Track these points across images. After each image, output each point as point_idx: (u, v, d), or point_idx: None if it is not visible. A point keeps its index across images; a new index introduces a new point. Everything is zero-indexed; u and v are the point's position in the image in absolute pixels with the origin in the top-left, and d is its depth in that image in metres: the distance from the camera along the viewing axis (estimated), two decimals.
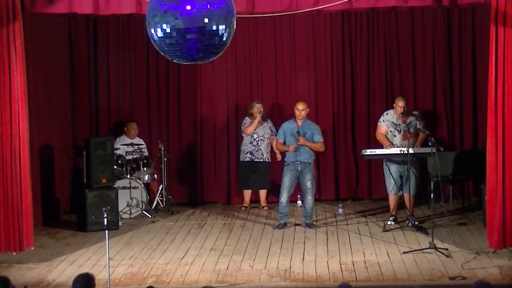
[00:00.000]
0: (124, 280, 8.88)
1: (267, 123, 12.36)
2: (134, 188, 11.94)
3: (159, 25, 6.17)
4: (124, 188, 11.84)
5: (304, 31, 13.07)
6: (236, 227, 11.42)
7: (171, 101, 13.23)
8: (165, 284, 8.73)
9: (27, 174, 9.47)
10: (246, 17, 10.43)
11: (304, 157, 11.07)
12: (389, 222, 11.07)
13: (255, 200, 12.71)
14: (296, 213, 12.00)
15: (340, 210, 11.96)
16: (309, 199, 11.12)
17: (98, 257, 9.79)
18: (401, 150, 10.74)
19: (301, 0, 9.69)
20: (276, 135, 11.84)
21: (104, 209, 8.65)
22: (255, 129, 12.22)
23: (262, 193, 12.60)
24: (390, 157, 11.00)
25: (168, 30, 6.15)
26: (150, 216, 11.91)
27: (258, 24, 12.93)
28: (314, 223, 11.32)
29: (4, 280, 6.30)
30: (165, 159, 12.32)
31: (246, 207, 12.61)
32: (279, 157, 12.09)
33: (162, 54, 6.40)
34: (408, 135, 10.80)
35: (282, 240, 10.54)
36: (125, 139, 12.54)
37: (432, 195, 10.08)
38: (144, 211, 12.00)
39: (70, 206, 12.58)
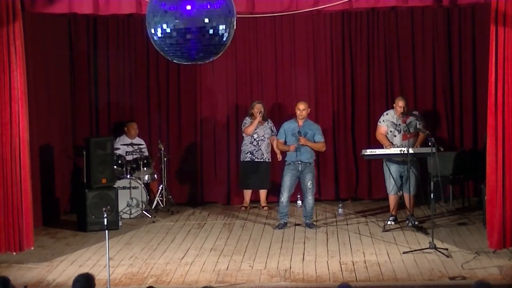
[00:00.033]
0: (124, 280, 8.88)
1: (268, 123, 12.36)
2: (134, 188, 11.94)
3: (159, 25, 6.17)
4: (124, 188, 11.84)
5: (304, 31, 13.07)
6: (236, 227, 11.42)
7: (171, 101, 13.23)
8: (165, 284, 8.73)
9: (27, 174, 9.47)
10: (246, 17, 10.43)
11: (305, 157, 11.07)
12: (389, 222, 11.07)
13: (255, 200, 12.71)
14: (296, 213, 12.00)
15: (340, 210, 11.97)
16: (310, 198, 11.12)
17: (98, 257, 9.79)
18: (401, 150, 10.74)
19: (301, 0, 9.69)
20: (276, 135, 11.85)
21: (104, 209, 8.64)
22: (256, 129, 12.22)
23: (262, 193, 12.60)
24: (390, 157, 11.00)
25: (168, 30, 6.15)
26: (150, 216, 11.91)
27: (258, 24, 12.93)
28: (314, 223, 11.32)
29: (4, 280, 6.30)
30: (165, 159, 12.32)
31: (246, 207, 12.61)
32: (279, 157, 12.09)
33: (162, 54, 6.40)
34: (408, 135, 10.80)
35: (282, 240, 10.54)
36: (125, 139, 12.54)
37: (432, 195, 10.08)
38: (144, 211, 12.00)
39: (70, 206, 12.58)
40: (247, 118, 12.38)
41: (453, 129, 13.03)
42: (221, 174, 13.18)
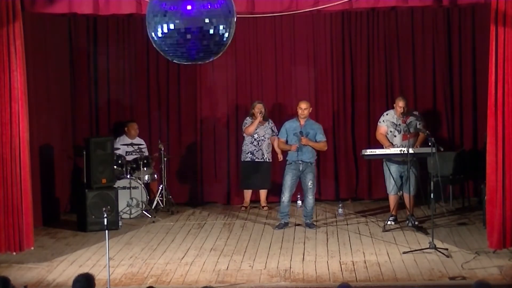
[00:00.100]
0: (124, 280, 8.88)
1: (268, 123, 12.36)
2: (134, 188, 11.94)
3: (159, 25, 6.17)
4: (124, 188, 11.84)
5: (304, 31, 13.07)
6: (236, 227, 11.42)
7: (171, 101, 13.23)
8: (165, 284, 8.73)
9: (27, 174, 9.47)
10: (246, 17, 10.42)
11: (307, 156, 11.07)
12: (389, 222, 11.07)
13: (255, 200, 12.71)
14: (296, 213, 12.00)
15: (340, 210, 11.97)
16: (310, 198, 11.12)
17: (98, 257, 9.79)
18: (401, 150, 10.74)
19: (301, 0, 9.69)
20: (277, 135, 11.86)
21: (104, 209, 8.64)
22: (256, 129, 12.22)
23: (263, 193, 12.60)
24: (390, 157, 11.00)
25: (168, 30, 6.15)
26: (150, 216, 11.91)
27: (258, 24, 12.93)
28: (314, 223, 11.32)
29: (4, 280, 6.30)
30: (165, 159, 12.32)
31: (246, 207, 12.61)
32: (280, 157, 12.08)
33: (162, 54, 6.40)
34: (408, 135, 10.80)
35: (282, 240, 10.54)
36: (125, 139, 12.54)
37: (432, 195, 10.08)
38: (144, 211, 12.00)
39: (70, 206, 12.58)
40: (247, 118, 12.38)
41: (453, 129, 13.03)
42: (221, 174, 13.18)
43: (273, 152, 12.33)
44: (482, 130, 11.71)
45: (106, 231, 8.28)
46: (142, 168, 12.04)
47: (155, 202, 12.32)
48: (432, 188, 10.07)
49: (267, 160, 12.37)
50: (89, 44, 13.02)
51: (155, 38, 6.27)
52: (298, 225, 11.33)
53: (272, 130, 12.32)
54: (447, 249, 9.59)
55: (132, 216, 11.94)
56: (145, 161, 12.11)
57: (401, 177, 11.03)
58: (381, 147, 11.15)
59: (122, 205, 11.70)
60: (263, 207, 12.56)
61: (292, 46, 13.11)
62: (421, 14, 12.85)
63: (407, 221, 11.04)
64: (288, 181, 11.13)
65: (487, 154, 9.25)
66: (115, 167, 11.75)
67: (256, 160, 12.33)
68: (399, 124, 11.02)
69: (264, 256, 9.77)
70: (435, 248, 9.52)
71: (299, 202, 12.37)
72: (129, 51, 13.14)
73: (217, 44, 6.24)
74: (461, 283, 8.45)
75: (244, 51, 13.09)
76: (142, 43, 12.77)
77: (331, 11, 10.87)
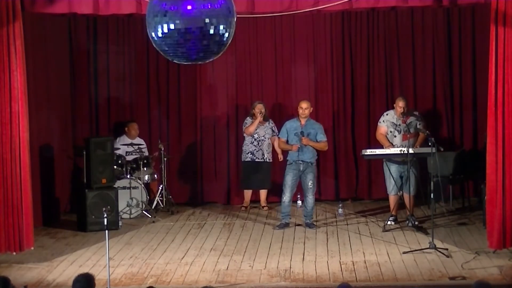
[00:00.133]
0: (124, 280, 8.88)
1: (269, 123, 12.36)
2: (134, 188, 11.94)
3: (159, 25, 6.17)
4: (124, 188, 11.84)
5: (304, 31, 13.07)
6: (236, 227, 11.42)
7: (171, 101, 13.23)
8: (165, 284, 8.73)
9: (27, 174, 9.47)
10: (246, 17, 10.42)
11: (307, 156, 11.07)
12: (389, 222, 11.07)
13: (255, 200, 12.71)
14: (296, 213, 11.99)
15: (340, 210, 11.98)
16: (310, 198, 11.12)
17: (98, 257, 9.78)
18: (401, 150, 10.74)
19: (301, 0, 9.69)
20: (277, 135, 11.86)
21: (104, 209, 8.63)
22: (256, 129, 12.22)
23: (263, 193, 12.60)
24: (390, 157, 11.00)
25: (168, 30, 6.15)
26: (150, 216, 11.91)
27: (258, 24, 12.93)
28: (314, 223, 11.32)
29: (4, 280, 6.30)
30: (165, 159, 12.32)
31: (246, 207, 12.61)
32: (281, 157, 12.08)
33: (162, 54, 6.39)
34: (408, 135, 10.80)
35: (282, 240, 10.54)
36: (125, 139, 12.54)
37: (432, 195, 10.08)
38: (144, 211, 12.00)
39: (70, 206, 12.58)
40: (248, 118, 12.38)
41: (453, 129, 13.03)
42: (221, 174, 13.18)
43: (274, 152, 12.33)
44: (482, 130, 11.71)
45: (106, 231, 8.27)
46: (142, 168, 12.04)
47: (155, 202, 12.32)
48: (432, 188, 10.07)
49: (267, 160, 12.37)
50: (89, 44, 13.03)
51: (155, 38, 6.27)
52: (298, 225, 11.33)
53: (273, 130, 12.32)
54: (447, 249, 9.59)
55: (132, 216, 11.94)
56: (145, 161, 12.11)
57: (401, 177, 11.02)
58: (381, 147, 11.14)
59: (122, 205, 11.70)
60: (263, 207, 12.56)
61: (292, 46, 13.11)
62: (421, 14, 12.85)
63: (407, 221, 11.04)
64: (289, 181, 11.12)
65: (487, 154, 9.25)
66: (115, 167, 11.75)
67: (256, 160, 12.32)
68: (399, 124, 11.02)
69: (264, 256, 9.77)
70: (435, 248, 9.52)
71: (299, 202, 12.37)
72: (129, 51, 13.14)
73: (217, 44, 6.24)
74: (461, 283, 8.44)
75: (244, 51, 13.09)
76: (142, 43, 12.77)
77: (331, 11, 10.87)
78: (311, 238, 10.62)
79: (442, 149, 10.42)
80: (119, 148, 12.23)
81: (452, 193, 12.40)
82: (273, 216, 12.04)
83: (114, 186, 11.54)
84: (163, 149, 12.27)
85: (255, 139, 12.29)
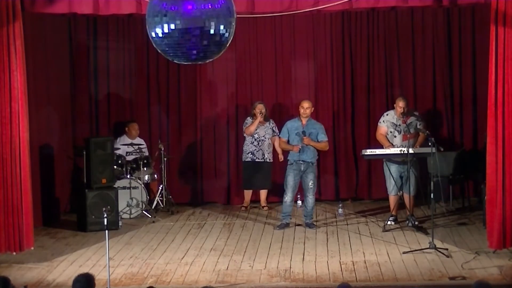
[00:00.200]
0: (124, 280, 8.88)
1: (269, 124, 12.36)
2: (134, 188, 11.94)
3: (159, 25, 6.17)
4: (124, 188, 11.84)
5: (304, 31, 13.07)
6: (236, 227, 11.42)
7: (171, 101, 13.24)
8: (165, 284, 8.73)
9: (27, 174, 9.47)
10: (246, 17, 10.42)
11: (308, 156, 11.07)
12: (389, 222, 11.07)
13: (255, 200, 12.71)
14: (296, 213, 11.99)
15: (340, 210, 11.98)
16: (310, 198, 11.12)
17: (98, 257, 9.78)
18: (401, 150, 10.74)
19: (301, 0, 9.69)
20: (278, 135, 11.86)
21: (104, 209, 8.64)
22: (256, 129, 12.22)
23: (263, 193, 12.60)
24: (390, 157, 11.00)
25: (168, 30, 6.15)
26: (150, 216, 11.91)
27: (258, 24, 12.93)
28: (314, 223, 11.32)
29: (4, 280, 6.30)
30: (165, 159, 12.32)
31: (246, 207, 12.61)
32: (281, 157, 12.08)
33: (162, 54, 6.39)
34: (408, 136, 10.80)
35: (282, 240, 10.54)
36: (125, 139, 12.54)
37: (432, 195, 10.08)
38: (144, 211, 12.00)
39: (70, 206, 12.58)
40: (248, 118, 12.38)
41: (453, 129, 13.03)
42: (221, 174, 13.18)
43: (274, 152, 12.33)
44: (482, 130, 11.71)
45: (106, 231, 8.27)
46: (142, 168, 12.04)
47: (155, 202, 12.32)
48: (432, 188, 10.07)
49: (268, 160, 12.37)
50: (89, 44, 13.03)
51: (155, 38, 6.26)
52: (298, 225, 11.33)
53: (273, 131, 12.32)
54: (447, 249, 9.59)
55: (132, 216, 11.94)
56: (145, 161, 12.11)
57: (401, 177, 11.02)
58: (381, 147, 11.14)
59: (122, 205, 11.70)
60: (263, 207, 12.55)
61: (292, 46, 13.12)
62: (421, 14, 12.85)
63: (407, 221, 11.04)
64: (291, 181, 11.12)
65: (487, 154, 9.25)
66: (115, 167, 11.75)
67: (257, 160, 12.32)
68: (399, 125, 11.02)
69: (264, 256, 9.77)
70: (435, 248, 9.52)
71: (299, 202, 12.36)
72: (129, 51, 13.14)
73: (217, 44, 6.24)
74: (461, 283, 8.44)
75: (244, 51, 13.09)
76: (142, 43, 12.77)
77: (331, 11, 10.87)
78: (311, 238, 10.62)
79: (442, 149, 10.42)
80: (119, 148, 12.23)
81: (452, 193, 12.40)
82: (273, 216, 12.04)
83: (114, 186, 11.54)
84: (163, 149, 12.27)
85: (255, 139, 12.29)
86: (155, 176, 12.42)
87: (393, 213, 11.16)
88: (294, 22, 12.98)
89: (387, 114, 11.19)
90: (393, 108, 11.21)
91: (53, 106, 12.06)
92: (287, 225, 11.19)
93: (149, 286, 7.75)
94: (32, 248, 9.68)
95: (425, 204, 11.83)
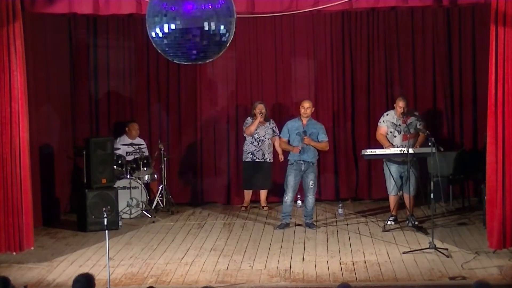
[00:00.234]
0: (124, 280, 8.88)
1: (270, 124, 12.36)
2: (134, 188, 11.94)
3: (159, 25, 6.17)
4: (124, 188, 11.84)
5: (304, 31, 13.07)
6: (236, 227, 11.42)
7: (171, 101, 13.24)
8: (165, 284, 8.73)
9: (27, 174, 9.47)
10: (246, 17, 10.42)
11: (309, 156, 11.07)
12: (389, 222, 11.07)
13: (255, 200, 12.71)
14: (296, 213, 11.99)
15: (340, 210, 11.98)
16: (310, 198, 11.12)
17: (98, 257, 9.78)
18: (401, 150, 10.73)
19: (301, 0, 9.69)
20: (278, 135, 11.86)
21: (104, 209, 8.64)
22: (256, 129, 12.21)
23: (263, 193, 12.60)
24: (390, 157, 11.00)
25: (168, 30, 6.15)
26: (150, 216, 11.91)
27: (258, 24, 12.93)
28: (314, 223, 11.32)
29: (4, 280, 6.30)
30: (165, 159, 12.32)
31: (246, 207, 12.61)
32: (281, 157, 12.08)
33: (162, 54, 6.39)
34: (408, 136, 10.80)
35: (282, 240, 10.54)
36: (125, 139, 12.54)
37: (432, 195, 10.08)
38: (144, 211, 11.99)
39: (70, 206, 12.58)
40: (248, 118, 12.38)
41: (453, 129, 13.03)
42: (221, 174, 13.18)
43: (274, 152, 12.33)
44: (482, 130, 11.71)
45: (106, 231, 8.27)
46: (142, 168, 12.04)
47: (155, 202, 12.32)
48: (432, 188, 10.07)
49: (268, 160, 12.36)
50: (89, 44, 13.03)
51: (155, 38, 6.26)
52: (298, 225, 11.33)
53: (273, 131, 12.32)
54: (447, 249, 9.59)
55: (132, 216, 11.94)
56: (145, 161, 12.11)
57: (401, 177, 11.02)
58: (381, 147, 11.14)
59: (122, 205, 11.70)
60: (263, 207, 12.55)
61: (292, 46, 13.12)
62: (421, 14, 12.85)
63: (407, 221, 11.04)
64: (291, 181, 11.11)
65: (487, 154, 9.25)
66: (115, 167, 11.75)
67: (257, 160, 12.32)
68: (399, 125, 11.02)
69: (264, 256, 9.77)
70: (435, 248, 9.52)
71: (299, 202, 12.36)
72: (129, 51, 13.15)
73: (217, 44, 6.24)
74: (461, 283, 8.44)
75: (244, 51, 13.09)
76: (142, 43, 12.77)
77: (331, 11, 10.87)
78: (311, 238, 10.62)
79: (442, 149, 10.42)
80: (119, 148, 12.23)
81: (452, 193, 12.40)
82: (273, 216, 12.04)
83: (114, 186, 11.54)
84: (163, 149, 12.27)
85: (255, 139, 12.29)
86: (155, 176, 12.42)
87: (393, 213, 11.16)
88: (294, 22, 12.98)
89: (387, 114, 11.19)
90: (393, 108, 11.21)
91: (53, 106, 12.06)
92: (287, 225, 11.19)
93: (149, 286, 7.75)
94: (32, 248, 9.68)
95: (425, 204, 11.84)
